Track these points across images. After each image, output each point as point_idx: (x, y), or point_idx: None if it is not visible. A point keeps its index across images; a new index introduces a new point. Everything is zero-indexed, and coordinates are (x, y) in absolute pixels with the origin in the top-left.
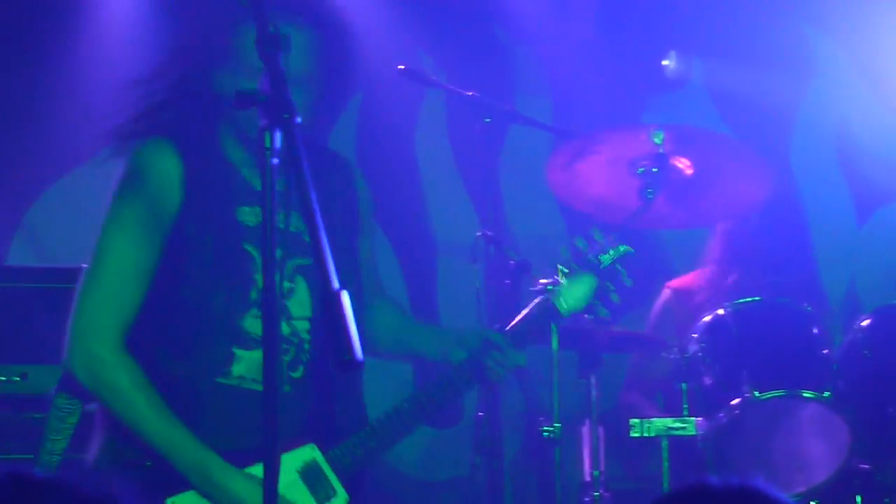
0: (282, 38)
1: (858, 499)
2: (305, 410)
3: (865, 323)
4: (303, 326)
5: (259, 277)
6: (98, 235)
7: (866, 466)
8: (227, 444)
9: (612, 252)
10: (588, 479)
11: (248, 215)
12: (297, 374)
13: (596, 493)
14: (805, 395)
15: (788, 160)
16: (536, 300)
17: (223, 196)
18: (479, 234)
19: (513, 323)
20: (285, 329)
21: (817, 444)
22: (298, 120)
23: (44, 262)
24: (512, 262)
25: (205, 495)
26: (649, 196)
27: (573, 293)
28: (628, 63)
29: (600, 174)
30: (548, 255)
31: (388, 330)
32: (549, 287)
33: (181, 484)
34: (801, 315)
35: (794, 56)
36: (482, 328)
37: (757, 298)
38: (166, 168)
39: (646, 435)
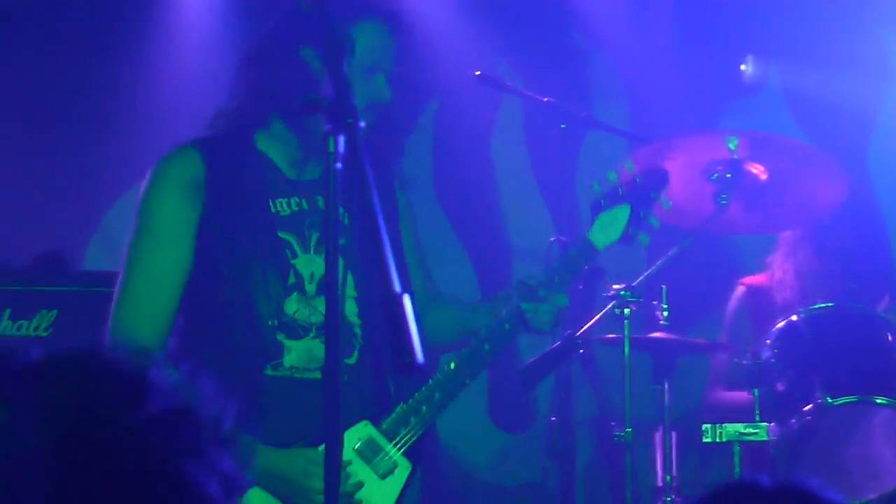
0: (346, 43)
1: None
2: (363, 395)
3: None
4: (351, 310)
5: (296, 263)
6: (126, 251)
7: None
8: (285, 437)
9: (640, 179)
10: (660, 484)
11: (283, 205)
12: (352, 360)
13: (668, 499)
14: (878, 400)
15: (866, 166)
16: (578, 237)
17: (255, 189)
18: (553, 239)
19: (552, 265)
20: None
21: (890, 450)
22: (362, 125)
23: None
24: (585, 267)
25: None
26: (723, 201)
27: (607, 225)
28: (706, 68)
29: (675, 179)
30: (619, 261)
31: (449, 325)
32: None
33: None
34: (875, 321)
35: (871, 60)
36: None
37: (830, 304)
38: (186, 172)
39: (718, 440)
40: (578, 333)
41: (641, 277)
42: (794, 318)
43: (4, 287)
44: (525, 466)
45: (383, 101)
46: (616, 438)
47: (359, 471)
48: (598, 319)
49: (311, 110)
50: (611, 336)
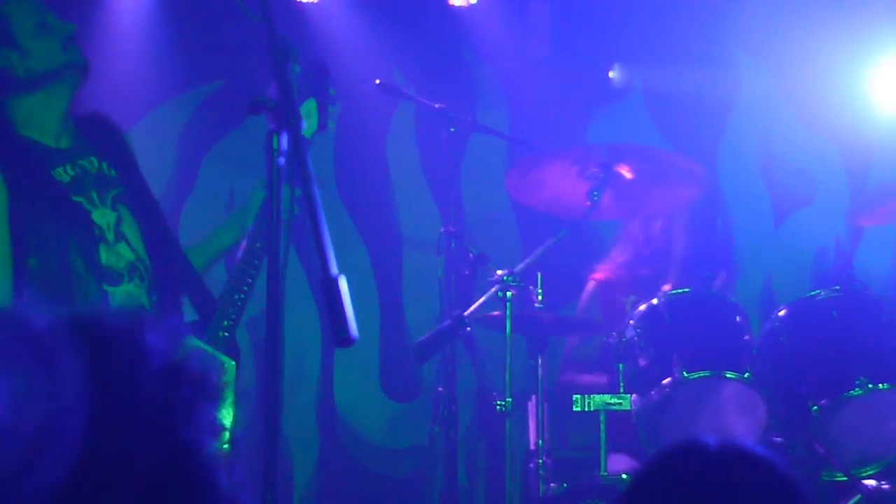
0: (291, 50)
1: (778, 463)
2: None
3: (781, 313)
4: (142, 250)
5: (94, 217)
6: None
7: (779, 439)
8: None
9: (311, 76)
10: (533, 447)
11: (62, 174)
12: (155, 297)
13: (539, 461)
14: (728, 375)
15: (716, 167)
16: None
17: (33, 166)
18: (442, 230)
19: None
20: (130, 255)
21: (738, 419)
22: (303, 125)
23: None
24: (471, 254)
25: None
26: (595, 197)
27: (306, 119)
28: (577, 76)
29: (552, 178)
30: (503, 248)
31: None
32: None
33: None
34: (726, 305)
35: (724, 75)
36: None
37: (687, 290)
38: None
39: (586, 409)
40: (466, 313)
41: (521, 264)
42: (655, 301)
43: None
44: (414, 431)
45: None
46: (497, 407)
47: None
48: (484, 301)
49: (257, 111)
50: (495, 314)
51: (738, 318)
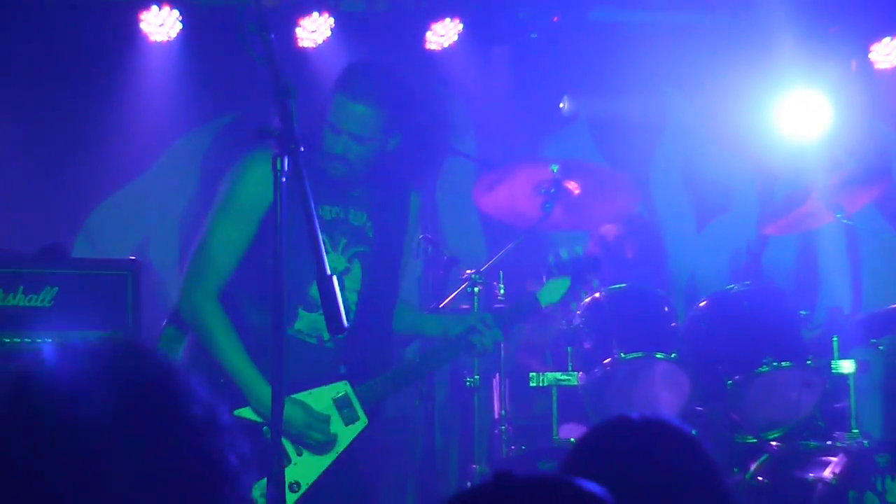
0: (291, 89)
1: (694, 432)
2: (346, 359)
3: (703, 304)
4: (352, 298)
5: (328, 258)
6: (209, 214)
7: (701, 408)
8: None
9: (584, 261)
10: (497, 416)
11: (327, 211)
12: (341, 335)
13: (502, 427)
14: (658, 356)
15: (648, 182)
16: (527, 295)
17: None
18: (420, 237)
19: (502, 307)
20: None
21: (666, 392)
22: (302, 149)
23: (100, 255)
24: (445, 257)
25: (256, 411)
26: (547, 209)
27: (552, 289)
28: (532, 107)
29: (512, 193)
30: (471, 252)
31: (404, 320)
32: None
33: (243, 401)
34: (656, 297)
35: (655, 105)
36: (479, 313)
37: (623, 285)
38: (264, 172)
39: (541, 385)
40: (441, 306)
41: (487, 265)
42: (597, 294)
43: (19, 270)
44: (399, 403)
45: (343, 156)
46: (467, 383)
47: (332, 415)
48: (456, 296)
49: (263, 139)
50: (464, 307)
51: (666, 308)
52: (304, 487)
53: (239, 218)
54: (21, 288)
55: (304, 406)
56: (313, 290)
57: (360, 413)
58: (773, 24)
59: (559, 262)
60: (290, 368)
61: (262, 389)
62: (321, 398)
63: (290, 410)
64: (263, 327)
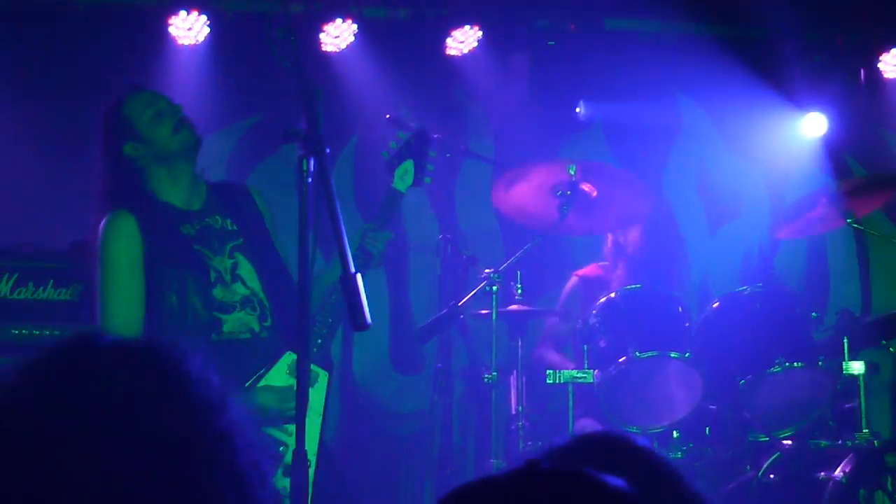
0: (317, 91)
1: (707, 430)
2: (280, 344)
3: (715, 305)
4: (258, 287)
5: (213, 264)
6: (99, 284)
7: (713, 407)
8: (235, 378)
9: (412, 141)
10: (514, 412)
11: (188, 228)
12: (268, 322)
13: (519, 423)
14: (672, 355)
15: (662, 187)
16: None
17: (168, 223)
18: (440, 236)
19: (376, 213)
20: (245, 291)
21: (679, 390)
22: (328, 150)
23: None
24: (464, 256)
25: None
26: (564, 211)
27: (403, 175)
28: (549, 111)
29: (530, 194)
30: (489, 252)
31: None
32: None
33: None
34: (670, 298)
35: (669, 112)
36: (362, 227)
37: (639, 286)
38: (127, 229)
39: (557, 382)
40: (460, 304)
41: (504, 264)
42: (612, 295)
43: (49, 264)
44: (418, 399)
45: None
46: (485, 379)
47: (294, 384)
48: (474, 294)
49: (289, 140)
50: (484, 311)
51: (680, 309)
52: (312, 460)
53: (129, 275)
54: (51, 282)
55: (267, 388)
56: (217, 294)
57: (317, 369)
58: (783, 33)
59: (394, 152)
60: (234, 367)
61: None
62: (277, 375)
63: (259, 399)
64: (195, 341)
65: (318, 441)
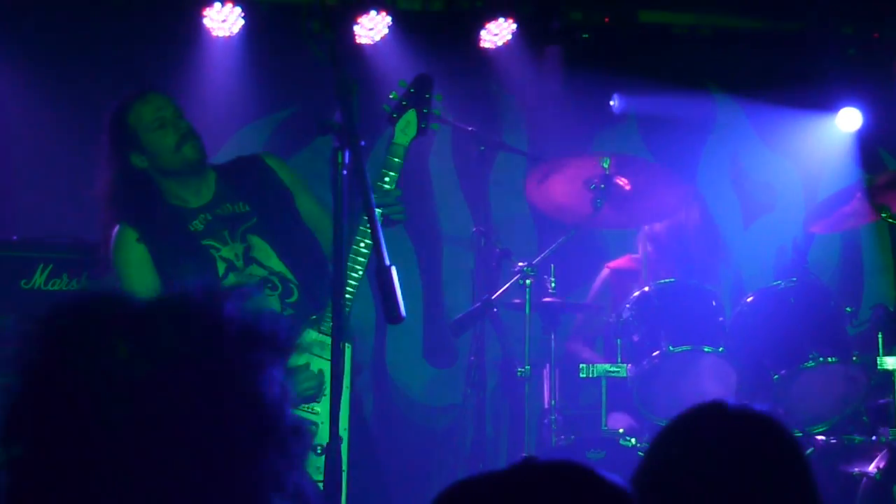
0: (352, 84)
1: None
2: (308, 317)
3: (749, 299)
4: (279, 266)
5: (222, 254)
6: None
7: (747, 402)
8: None
9: (412, 88)
10: (547, 406)
11: (197, 224)
12: (292, 298)
13: (552, 417)
14: (705, 349)
15: (696, 180)
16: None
17: (175, 224)
18: (474, 229)
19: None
20: (262, 272)
21: (713, 385)
22: (363, 143)
23: None
24: (497, 249)
25: None
26: (598, 205)
27: (404, 128)
28: (584, 104)
29: (563, 188)
30: (523, 245)
31: None
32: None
33: None
34: (704, 292)
35: (703, 105)
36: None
37: (672, 280)
38: (129, 243)
39: (590, 376)
40: (494, 297)
41: (538, 258)
42: (646, 288)
43: (84, 256)
44: (451, 392)
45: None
46: (518, 373)
47: (307, 361)
48: (507, 288)
49: (325, 133)
50: (517, 300)
51: (714, 303)
52: (344, 436)
53: (139, 275)
54: (85, 274)
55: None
56: (230, 282)
57: (324, 339)
58: (818, 27)
59: (394, 103)
60: None
61: None
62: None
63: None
64: None
65: (347, 415)
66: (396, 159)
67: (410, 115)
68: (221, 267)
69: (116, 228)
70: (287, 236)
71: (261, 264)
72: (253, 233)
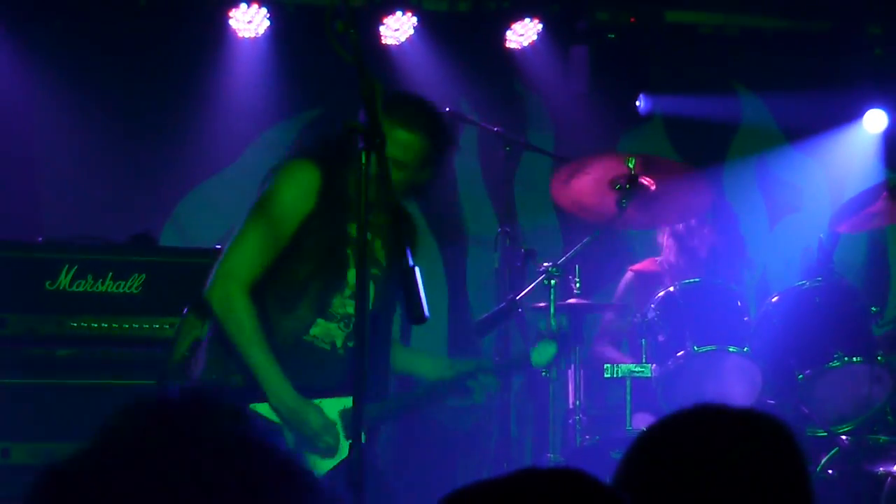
0: (377, 86)
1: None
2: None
3: (774, 299)
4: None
5: (349, 274)
6: (249, 210)
7: (772, 402)
8: (299, 380)
9: (565, 330)
10: (571, 406)
11: (353, 229)
12: (351, 343)
13: (577, 417)
14: (730, 349)
15: (721, 180)
16: (521, 352)
17: (342, 212)
18: (499, 230)
19: (499, 360)
20: (352, 311)
21: (738, 385)
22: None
23: (188, 244)
24: (522, 250)
25: (274, 408)
26: (623, 205)
27: (542, 351)
28: (610, 105)
29: (588, 188)
30: (548, 245)
31: (397, 358)
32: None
33: (261, 398)
34: (729, 292)
35: (729, 105)
36: (479, 360)
37: (697, 280)
38: (307, 180)
39: (615, 376)
40: (518, 298)
41: (563, 258)
42: (671, 289)
43: (109, 256)
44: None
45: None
46: (543, 373)
47: (338, 424)
48: (532, 288)
49: (351, 133)
50: (541, 304)
51: (739, 303)
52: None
53: (278, 220)
54: (110, 274)
55: (319, 410)
56: (335, 302)
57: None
58: (844, 26)
59: (548, 330)
60: (304, 371)
61: (282, 387)
62: (331, 407)
63: (309, 413)
64: (288, 330)
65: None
66: (519, 367)
67: (552, 346)
68: (344, 287)
69: (298, 161)
70: (388, 312)
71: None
72: (374, 282)
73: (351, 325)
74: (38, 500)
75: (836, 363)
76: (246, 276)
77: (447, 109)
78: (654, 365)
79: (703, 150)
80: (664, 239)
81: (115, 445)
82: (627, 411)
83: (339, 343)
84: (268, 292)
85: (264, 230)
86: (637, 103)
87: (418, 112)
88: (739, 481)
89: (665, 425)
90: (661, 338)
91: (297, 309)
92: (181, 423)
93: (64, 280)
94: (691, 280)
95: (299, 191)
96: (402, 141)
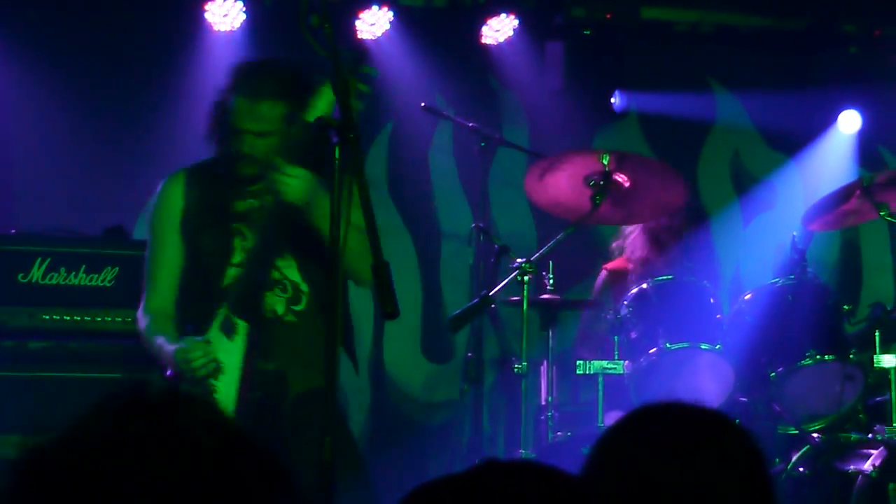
0: (350, 81)
1: (737, 421)
2: (309, 335)
3: (747, 297)
4: (292, 275)
5: (244, 245)
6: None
7: (744, 399)
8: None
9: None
10: (544, 402)
11: (241, 205)
12: (300, 307)
13: (549, 413)
14: (703, 346)
15: (696, 178)
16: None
17: (218, 198)
18: (473, 225)
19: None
20: (276, 275)
21: (710, 382)
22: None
23: None
24: (496, 246)
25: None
26: (597, 201)
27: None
28: (584, 101)
29: (563, 184)
30: (522, 241)
31: None
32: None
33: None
34: (702, 289)
35: (703, 102)
36: None
37: (670, 276)
38: (175, 188)
39: (587, 373)
40: (492, 293)
41: (537, 254)
42: (644, 286)
43: (82, 250)
44: (448, 387)
45: (250, 155)
46: (515, 370)
47: (214, 339)
48: (505, 284)
49: (324, 128)
50: (514, 299)
51: (711, 300)
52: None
53: (164, 235)
54: (83, 267)
55: (180, 347)
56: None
57: (236, 320)
58: (819, 24)
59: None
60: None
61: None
62: (210, 332)
63: (176, 353)
64: (202, 313)
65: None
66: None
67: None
68: (235, 258)
69: (161, 185)
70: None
71: (277, 269)
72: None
73: (289, 288)
74: (11, 489)
75: (808, 361)
76: (156, 302)
77: (422, 104)
78: (626, 362)
79: (678, 148)
80: (633, 232)
81: (91, 434)
82: (600, 408)
83: (281, 309)
84: (182, 297)
85: (160, 251)
86: (612, 100)
87: (267, 79)
88: (700, 483)
89: (629, 421)
90: (633, 334)
91: (201, 297)
92: (157, 413)
93: (37, 273)
94: (664, 277)
95: (172, 198)
96: (256, 113)
